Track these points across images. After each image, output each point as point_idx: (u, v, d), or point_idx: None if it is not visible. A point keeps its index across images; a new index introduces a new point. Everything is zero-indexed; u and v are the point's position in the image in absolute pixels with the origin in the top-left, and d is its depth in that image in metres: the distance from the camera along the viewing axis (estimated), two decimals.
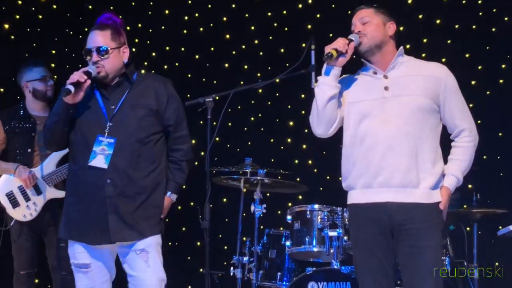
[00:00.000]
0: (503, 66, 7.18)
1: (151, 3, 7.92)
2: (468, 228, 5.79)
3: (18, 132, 5.24)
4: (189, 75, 7.74)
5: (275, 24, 7.81)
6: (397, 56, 3.85)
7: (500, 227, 5.19)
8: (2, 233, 5.19)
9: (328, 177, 7.20)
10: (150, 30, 7.80)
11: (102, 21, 4.13)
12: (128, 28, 7.67)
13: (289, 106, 7.69)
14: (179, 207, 6.87)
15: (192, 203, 6.98)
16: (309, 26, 7.65)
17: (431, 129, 3.71)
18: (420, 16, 7.42)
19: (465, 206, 5.61)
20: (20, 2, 7.32)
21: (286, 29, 7.77)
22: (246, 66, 7.85)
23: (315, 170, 7.47)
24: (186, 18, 7.91)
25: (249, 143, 7.68)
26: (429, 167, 3.65)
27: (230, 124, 7.51)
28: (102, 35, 4.03)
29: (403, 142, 3.62)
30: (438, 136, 3.77)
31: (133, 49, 7.66)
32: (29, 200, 5.08)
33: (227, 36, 7.91)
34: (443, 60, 7.09)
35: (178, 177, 4.17)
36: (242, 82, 7.09)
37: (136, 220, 3.92)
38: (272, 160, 7.42)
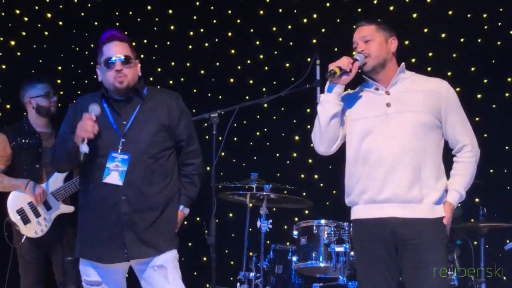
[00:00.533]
0: (509, 79, 7.18)
1: (156, 19, 7.95)
2: (475, 242, 5.76)
3: (25, 147, 5.23)
4: (195, 90, 7.76)
5: (280, 39, 7.83)
6: (399, 72, 3.84)
7: (508, 241, 5.17)
8: (12, 250, 5.17)
9: (334, 192, 7.18)
10: (156, 46, 7.83)
11: (116, 34, 4.06)
12: (133, 43, 7.75)
13: (294, 121, 7.69)
14: (185, 222, 6.82)
15: (198, 218, 6.97)
16: (314, 41, 7.68)
17: (433, 145, 3.71)
18: (425, 30, 7.43)
19: (472, 220, 5.58)
20: (26, 19, 7.35)
21: (291, 43, 7.80)
22: (251, 81, 7.86)
23: (321, 185, 7.46)
24: (191, 33, 7.94)
25: (255, 158, 7.68)
26: (432, 183, 3.65)
27: (235, 139, 7.52)
28: (123, 46, 4.00)
29: (406, 159, 3.62)
30: (441, 151, 3.78)
31: (139, 65, 7.76)
32: (39, 216, 5.07)
33: (232, 51, 7.93)
34: (449, 73, 7.13)
35: (191, 190, 4.13)
36: (247, 97, 7.12)
37: (152, 236, 3.88)
38: (278, 174, 7.41)
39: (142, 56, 7.55)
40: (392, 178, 3.62)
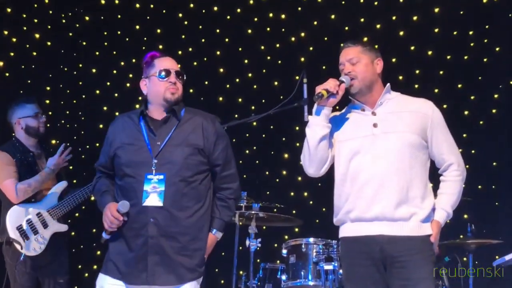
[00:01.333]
0: (496, 95, 7.24)
1: (145, 39, 7.97)
2: (464, 259, 5.78)
3: (25, 164, 5.23)
4: None
5: (268, 57, 7.88)
6: (385, 93, 3.86)
7: (497, 257, 5.18)
8: (6, 276, 5.15)
9: (324, 209, 7.18)
10: (144, 65, 7.84)
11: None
12: (122, 63, 7.80)
13: (283, 139, 7.72)
14: None
15: None
16: (302, 59, 7.72)
17: (420, 165, 3.73)
18: (412, 48, 7.49)
19: (461, 236, 5.60)
20: (14, 40, 7.36)
21: (279, 62, 7.84)
22: (240, 100, 7.89)
23: (311, 202, 7.48)
24: (180, 52, 7.95)
25: (245, 176, 7.64)
26: (419, 202, 3.67)
27: None
28: (176, 63, 4.07)
29: (393, 178, 3.64)
30: (427, 170, 3.79)
31: (128, 84, 7.81)
32: (37, 233, 5.06)
33: (221, 70, 7.96)
34: (436, 90, 7.19)
35: (225, 214, 3.99)
36: (236, 116, 7.12)
37: (177, 263, 3.76)
38: (268, 192, 7.42)
39: (130, 75, 7.63)
40: (380, 197, 3.63)
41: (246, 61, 7.96)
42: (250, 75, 7.93)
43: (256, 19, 7.95)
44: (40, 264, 5.11)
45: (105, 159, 3.99)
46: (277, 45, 7.89)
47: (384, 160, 3.67)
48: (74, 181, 6.35)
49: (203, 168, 3.89)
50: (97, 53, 7.90)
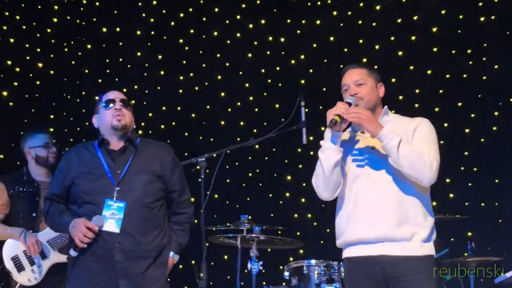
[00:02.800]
0: (496, 113, 7.26)
1: (146, 65, 8.05)
2: (465, 274, 5.77)
3: (22, 196, 5.24)
4: (186, 134, 7.83)
5: (269, 81, 7.93)
6: (383, 115, 3.90)
7: (501, 273, 5.19)
8: None
9: (328, 230, 7.19)
10: (146, 91, 7.92)
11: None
12: (124, 90, 7.84)
13: (286, 161, 7.75)
14: (180, 266, 6.84)
15: (193, 262, 6.96)
16: (302, 81, 7.77)
17: (420, 185, 3.71)
18: (411, 67, 7.53)
19: (465, 254, 5.60)
20: (18, 69, 7.43)
21: (280, 85, 7.88)
22: (242, 123, 7.93)
23: (315, 224, 7.48)
24: (181, 78, 8.03)
25: (248, 199, 7.71)
26: (421, 221, 3.68)
27: (228, 181, 7.56)
28: (121, 93, 4.25)
29: (393, 199, 3.66)
30: (428, 189, 3.78)
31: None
32: (34, 264, 5.05)
33: (222, 94, 8.02)
34: (436, 109, 7.22)
35: (181, 238, 4.20)
36: (239, 139, 7.16)
37: (144, 284, 3.92)
38: (272, 215, 7.44)
39: (133, 102, 7.66)
40: (381, 218, 3.65)
41: (247, 84, 8.00)
42: (251, 98, 7.98)
43: (255, 43, 8.02)
44: None
45: (59, 189, 4.13)
46: (277, 68, 7.95)
47: (383, 181, 3.69)
48: None
49: (161, 195, 4.11)
50: (99, 80, 7.97)
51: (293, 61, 7.92)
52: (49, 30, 7.80)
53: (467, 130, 7.29)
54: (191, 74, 8.07)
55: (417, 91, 7.47)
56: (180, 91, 8.06)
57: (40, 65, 7.66)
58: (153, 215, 4.02)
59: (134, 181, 4.00)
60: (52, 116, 7.66)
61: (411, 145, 3.67)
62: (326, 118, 3.77)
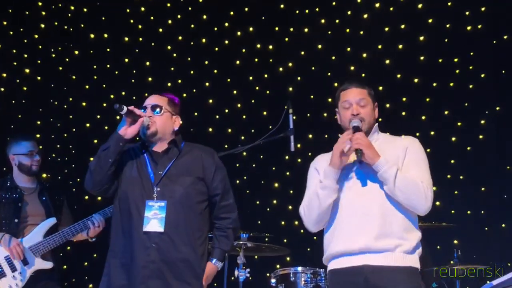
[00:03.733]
0: (482, 122, 7.31)
1: (134, 71, 8.04)
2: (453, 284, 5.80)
3: (4, 202, 5.20)
4: None
5: (257, 88, 7.95)
6: (373, 132, 3.87)
7: (488, 282, 5.21)
8: None
9: (315, 238, 7.18)
10: (134, 98, 7.89)
11: (162, 93, 4.28)
12: (112, 96, 7.84)
13: (273, 168, 7.76)
14: None
15: None
16: (290, 89, 7.79)
17: None
18: (398, 76, 7.58)
19: (451, 262, 5.62)
20: (4, 75, 7.41)
21: (267, 92, 7.90)
22: (230, 130, 7.93)
23: (301, 231, 7.47)
24: (169, 84, 8.02)
25: None
26: (404, 235, 3.66)
27: None
28: (159, 98, 4.18)
29: (378, 212, 3.64)
30: None
31: (117, 117, 7.80)
32: (16, 271, 5.00)
33: (210, 101, 8.02)
34: (423, 117, 7.26)
35: (224, 244, 4.13)
36: (226, 146, 7.16)
37: (177, 287, 3.87)
38: (259, 222, 7.44)
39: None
40: (364, 230, 3.63)
41: (234, 92, 8.01)
42: (239, 105, 7.99)
43: (244, 50, 8.04)
44: None
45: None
46: (265, 76, 7.97)
47: (367, 195, 3.68)
48: None
49: (203, 198, 4.04)
50: (87, 86, 7.95)
51: (281, 69, 7.94)
52: (36, 36, 7.78)
53: (453, 139, 7.34)
54: (179, 81, 8.07)
55: (404, 99, 7.52)
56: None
57: (27, 71, 7.64)
58: (193, 218, 3.97)
59: (175, 182, 3.98)
60: (38, 122, 7.64)
61: (403, 170, 3.65)
62: (337, 150, 3.67)
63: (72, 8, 8.01)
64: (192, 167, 4.06)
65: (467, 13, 7.46)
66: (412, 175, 3.65)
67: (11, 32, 7.54)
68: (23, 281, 4.99)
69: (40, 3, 7.84)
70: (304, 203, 3.90)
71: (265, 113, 7.82)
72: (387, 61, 7.61)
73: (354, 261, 3.67)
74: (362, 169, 3.76)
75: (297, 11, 7.96)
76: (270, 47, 8.00)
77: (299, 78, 7.87)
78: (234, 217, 4.18)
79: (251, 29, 8.07)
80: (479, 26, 7.41)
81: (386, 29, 7.69)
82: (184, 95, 8.00)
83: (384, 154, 3.66)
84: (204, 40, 8.10)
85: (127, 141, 3.99)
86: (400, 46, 7.60)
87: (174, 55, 8.12)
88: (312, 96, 7.69)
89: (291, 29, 7.97)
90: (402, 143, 3.83)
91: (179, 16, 8.15)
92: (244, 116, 7.95)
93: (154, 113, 4.07)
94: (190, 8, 8.16)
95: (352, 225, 3.67)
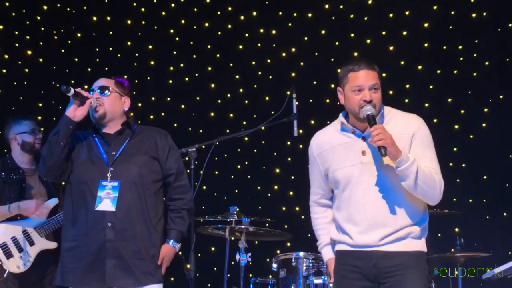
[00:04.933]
0: (485, 110, 7.28)
1: (137, 55, 8.01)
2: (456, 272, 5.79)
3: (9, 183, 5.22)
4: (175, 125, 7.79)
5: (260, 73, 7.91)
6: (380, 115, 3.73)
7: (489, 269, 5.20)
8: None
9: None
10: (136, 81, 7.87)
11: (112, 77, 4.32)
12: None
13: (275, 154, 7.74)
14: None
15: (180, 253, 6.95)
16: (293, 74, 7.76)
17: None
18: (402, 63, 7.54)
19: (453, 250, 5.61)
20: (6, 56, 7.37)
21: (270, 77, 7.87)
22: (231, 115, 7.91)
23: (302, 217, 7.48)
24: (171, 68, 8.00)
25: (236, 191, 7.70)
26: (413, 221, 3.64)
27: (217, 172, 7.55)
28: (106, 80, 4.22)
29: (384, 202, 3.62)
30: None
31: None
32: (22, 251, 5.03)
33: (212, 85, 7.99)
34: (426, 105, 7.23)
35: (180, 225, 4.14)
36: (228, 131, 7.14)
37: (134, 267, 3.91)
38: (260, 207, 7.43)
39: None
40: (375, 219, 3.61)
41: (237, 76, 7.99)
42: (241, 90, 7.96)
43: (247, 35, 8.00)
44: (28, 281, 5.09)
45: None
46: (268, 61, 7.93)
47: (374, 191, 3.64)
48: None
49: (157, 177, 4.10)
50: (89, 69, 7.93)
51: (284, 54, 7.90)
52: (38, 18, 7.73)
53: (456, 126, 7.32)
54: (181, 65, 8.03)
55: (407, 86, 7.49)
56: (170, 81, 8.03)
57: (29, 52, 7.60)
58: (148, 197, 4.01)
59: (128, 162, 4.02)
60: (40, 104, 7.61)
61: (416, 157, 3.57)
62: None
63: None
64: (146, 147, 4.10)
65: (472, 0, 7.41)
66: (427, 168, 3.59)
67: (13, 14, 7.49)
68: (31, 261, 5.03)
69: None
70: (311, 203, 4.05)
71: (267, 98, 7.79)
72: (391, 48, 7.58)
73: (363, 244, 3.66)
74: (366, 162, 3.68)
75: None
76: (273, 32, 7.95)
77: (302, 63, 7.83)
78: (188, 198, 4.21)
79: (254, 13, 8.02)
80: (484, 14, 7.36)
81: (391, 15, 7.65)
82: (186, 79, 7.98)
83: (395, 139, 3.55)
84: (207, 24, 8.06)
85: (77, 124, 4.00)
86: (404, 33, 7.56)
87: (177, 39, 8.08)
88: (315, 82, 7.65)
89: (295, 14, 7.92)
90: (406, 130, 3.70)
91: (182, 0, 8.11)
92: (246, 101, 7.93)
93: (102, 94, 4.11)
94: None
95: (360, 223, 3.65)
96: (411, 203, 3.66)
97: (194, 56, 8.02)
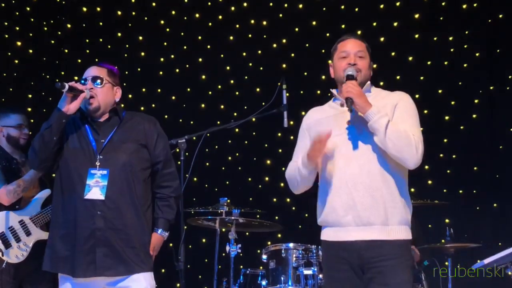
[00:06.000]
0: (476, 101, 7.31)
1: (127, 46, 7.98)
2: (446, 263, 5.81)
3: (7, 171, 5.21)
4: (166, 116, 7.78)
5: (250, 64, 7.91)
6: (366, 88, 3.79)
7: (478, 260, 5.22)
8: None
9: (306, 215, 7.23)
10: (126, 72, 7.83)
11: (100, 63, 4.27)
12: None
13: (265, 145, 7.74)
14: None
15: (171, 244, 6.95)
16: (284, 65, 7.75)
17: (395, 165, 3.64)
18: (393, 54, 7.55)
19: (443, 241, 5.63)
20: None
21: (261, 68, 7.87)
22: (222, 106, 7.90)
23: (293, 208, 7.50)
24: (162, 59, 7.98)
25: (227, 182, 7.70)
26: (396, 203, 3.62)
27: (207, 164, 7.55)
28: (99, 70, 4.18)
29: (366, 180, 3.60)
30: (404, 171, 3.70)
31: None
32: (20, 241, 5.05)
33: (203, 76, 7.98)
34: (417, 96, 7.20)
35: (168, 213, 4.14)
36: (219, 122, 7.15)
37: (124, 255, 3.90)
38: (251, 199, 7.44)
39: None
40: (355, 200, 3.60)
41: (227, 67, 7.98)
42: (232, 81, 7.95)
43: (237, 26, 7.99)
44: (23, 272, 5.10)
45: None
46: (259, 52, 7.92)
47: (356, 161, 3.62)
48: None
49: (146, 165, 4.09)
50: (79, 60, 7.89)
51: (274, 45, 7.89)
52: (28, 9, 7.69)
53: (446, 118, 7.34)
54: (172, 56, 8.02)
55: (397, 77, 7.49)
56: (161, 73, 8.02)
57: (19, 43, 7.56)
58: (138, 185, 4.00)
59: (117, 149, 4.00)
60: (30, 96, 7.58)
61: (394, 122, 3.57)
62: (316, 142, 3.63)
63: None
64: (134, 134, 4.09)
65: None
66: (403, 128, 3.57)
67: (3, 4, 7.45)
68: (28, 250, 5.05)
69: None
70: (288, 170, 3.99)
71: (258, 89, 7.78)
72: (382, 39, 7.57)
73: (346, 234, 3.64)
74: (351, 132, 3.68)
75: None
76: (264, 23, 7.94)
77: (292, 54, 7.83)
78: (176, 185, 4.21)
79: (245, 4, 8.01)
80: (475, 5, 7.37)
81: (381, 6, 7.64)
82: (177, 70, 7.96)
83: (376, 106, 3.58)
84: (197, 15, 8.04)
85: (70, 117, 3.99)
86: (395, 24, 7.57)
87: (167, 30, 8.06)
88: (305, 73, 7.65)
89: (286, 5, 7.91)
90: (393, 98, 3.76)
91: None
92: (237, 93, 7.92)
93: (95, 84, 4.09)
94: None
95: (343, 196, 3.63)
96: (397, 185, 3.63)
97: (185, 47, 8.01)
